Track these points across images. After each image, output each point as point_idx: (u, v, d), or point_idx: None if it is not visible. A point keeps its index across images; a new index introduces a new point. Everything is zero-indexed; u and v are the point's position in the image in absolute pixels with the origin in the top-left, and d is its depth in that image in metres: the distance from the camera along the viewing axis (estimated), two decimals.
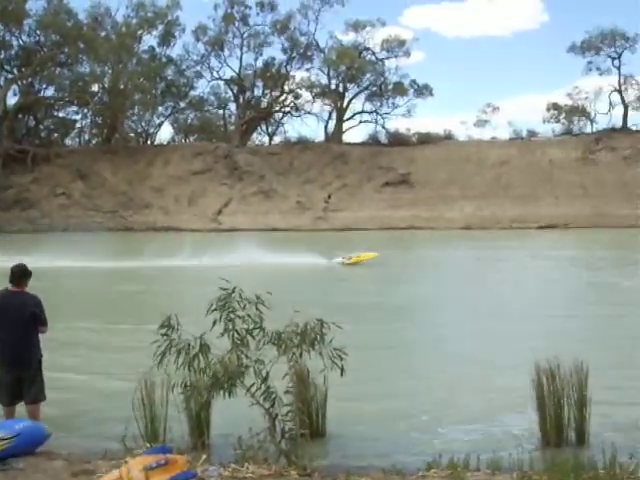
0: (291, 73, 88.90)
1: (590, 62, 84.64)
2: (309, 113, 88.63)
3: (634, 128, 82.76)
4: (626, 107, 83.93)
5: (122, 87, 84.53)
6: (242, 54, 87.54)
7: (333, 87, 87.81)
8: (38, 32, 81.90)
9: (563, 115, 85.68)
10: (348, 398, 11.09)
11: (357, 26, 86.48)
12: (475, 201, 70.62)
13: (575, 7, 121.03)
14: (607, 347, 15.84)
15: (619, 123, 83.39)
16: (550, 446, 9.20)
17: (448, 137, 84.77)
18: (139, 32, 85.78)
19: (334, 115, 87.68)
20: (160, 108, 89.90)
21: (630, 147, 76.80)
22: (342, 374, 7.78)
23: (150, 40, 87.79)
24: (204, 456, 8.41)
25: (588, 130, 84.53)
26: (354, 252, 36.01)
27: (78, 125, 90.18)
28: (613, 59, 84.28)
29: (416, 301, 24.66)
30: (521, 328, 18.77)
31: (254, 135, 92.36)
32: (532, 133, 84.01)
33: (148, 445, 8.91)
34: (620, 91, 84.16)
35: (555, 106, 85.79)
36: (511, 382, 11.89)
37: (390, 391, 12.46)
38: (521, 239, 49.96)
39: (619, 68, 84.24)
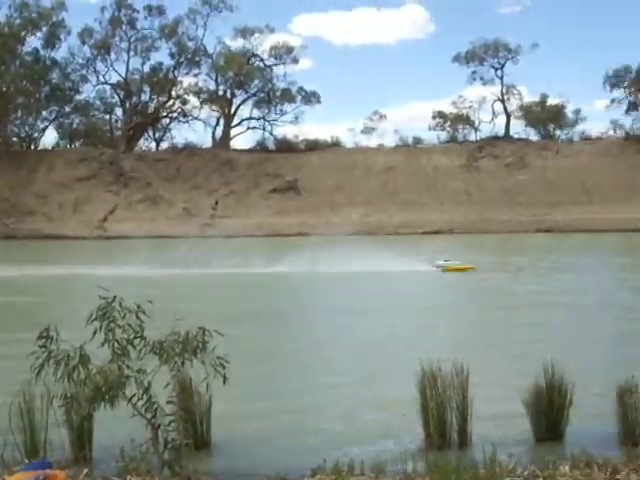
0: (179, 78, 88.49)
1: (474, 72, 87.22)
2: (196, 119, 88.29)
3: (516, 136, 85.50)
4: (508, 116, 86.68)
5: (4, 90, 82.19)
6: (129, 58, 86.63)
7: (221, 93, 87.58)
8: None
9: (448, 123, 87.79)
10: (234, 407, 11.02)
11: (246, 32, 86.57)
12: (362, 207, 71.44)
13: (460, 18, 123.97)
14: (492, 350, 16.22)
15: (502, 131, 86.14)
16: (434, 448, 9.31)
17: (335, 144, 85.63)
18: (22, 33, 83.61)
19: (222, 121, 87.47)
20: (44, 112, 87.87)
21: (512, 155, 79.23)
22: (224, 382, 7.72)
23: (34, 42, 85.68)
24: (85, 470, 8.22)
25: (472, 138, 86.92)
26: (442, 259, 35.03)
27: None
28: (496, 69, 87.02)
29: (303, 307, 24.75)
30: (405, 333, 19.02)
31: (141, 141, 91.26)
32: (418, 140, 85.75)
33: (27, 461, 8.64)
34: (503, 100, 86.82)
35: (440, 114, 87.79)
36: (395, 386, 12.00)
37: (276, 398, 12.43)
38: (407, 244, 50.55)
39: (502, 78, 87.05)
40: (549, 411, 9.47)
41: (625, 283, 29.85)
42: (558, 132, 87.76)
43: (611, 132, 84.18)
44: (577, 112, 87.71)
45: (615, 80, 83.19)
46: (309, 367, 15.49)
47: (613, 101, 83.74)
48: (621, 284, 29.62)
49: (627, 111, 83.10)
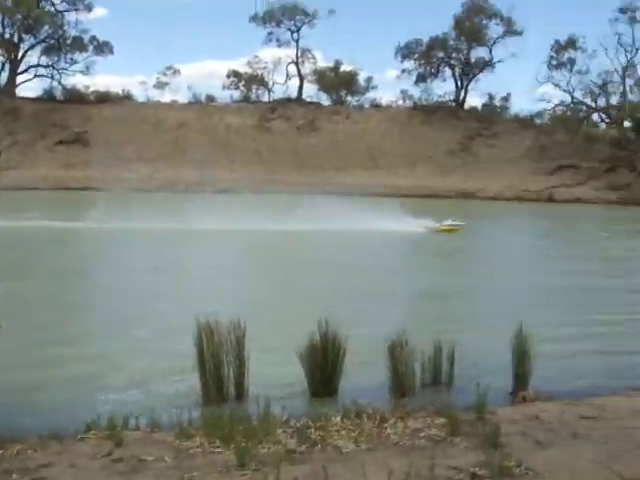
0: None
1: (271, 33, 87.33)
2: None
3: (308, 100, 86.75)
4: (302, 79, 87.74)
5: None
6: None
7: (7, 36, 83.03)
8: None
9: (242, 83, 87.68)
10: (8, 363, 10.65)
11: None
12: (152, 163, 70.23)
13: None
14: (274, 307, 16.50)
15: (294, 94, 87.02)
16: (211, 402, 9.41)
17: (127, 97, 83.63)
18: None
19: (7, 67, 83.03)
20: None
21: (303, 118, 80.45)
22: None
23: None
24: None
25: (265, 99, 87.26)
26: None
27: None
28: (292, 32, 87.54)
29: (87, 263, 24.19)
30: (189, 289, 18.99)
31: None
32: (211, 98, 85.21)
33: None
34: (297, 63, 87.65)
35: (235, 73, 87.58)
36: (176, 342, 11.96)
37: (52, 354, 12.11)
38: (199, 202, 50.09)
39: (297, 41, 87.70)
40: (324, 366, 9.78)
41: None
42: (349, 98, 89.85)
43: (400, 102, 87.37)
44: (369, 80, 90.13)
45: (406, 51, 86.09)
46: (86, 321, 15.19)
47: (404, 71, 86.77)
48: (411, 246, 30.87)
49: (416, 82, 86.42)
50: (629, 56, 78.97)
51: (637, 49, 78.53)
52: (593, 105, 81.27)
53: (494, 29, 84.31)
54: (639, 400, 9.77)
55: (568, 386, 10.70)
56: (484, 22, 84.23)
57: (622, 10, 78.00)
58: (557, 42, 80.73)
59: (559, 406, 9.26)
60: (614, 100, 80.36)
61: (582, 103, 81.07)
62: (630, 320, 16.36)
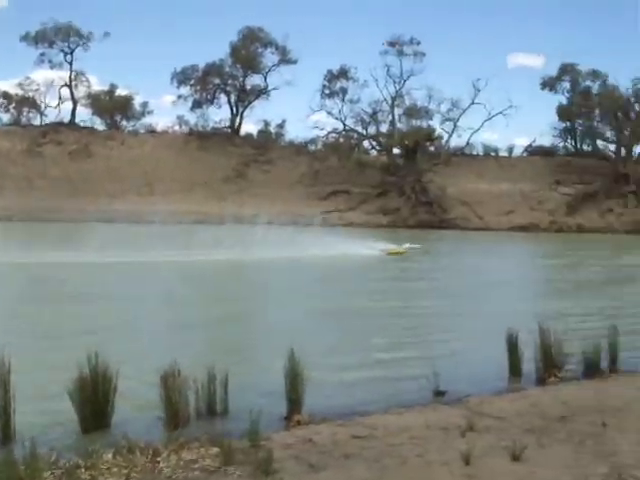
0: None
1: (43, 54, 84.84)
2: None
3: (82, 124, 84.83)
4: (75, 103, 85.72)
5: None
6: None
7: None
8: None
9: (13, 105, 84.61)
10: None
11: None
12: None
13: None
14: (42, 341, 15.82)
15: (68, 118, 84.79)
16: None
17: None
18: None
19: None
20: None
21: (76, 142, 78.47)
22: None
23: None
24: None
25: (37, 122, 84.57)
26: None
27: None
28: (66, 54, 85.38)
29: None
30: None
31: None
32: None
33: None
34: (70, 86, 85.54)
35: (5, 95, 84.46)
36: None
37: None
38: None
39: (71, 63, 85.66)
40: (95, 401, 9.47)
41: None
42: (125, 123, 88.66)
43: (177, 127, 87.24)
44: (144, 105, 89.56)
45: (182, 77, 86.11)
46: None
47: (180, 97, 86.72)
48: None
49: (192, 108, 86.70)
50: (397, 87, 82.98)
51: (405, 80, 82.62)
52: (364, 133, 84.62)
53: (269, 57, 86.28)
54: (408, 416, 10.13)
55: (343, 408, 10.89)
56: (260, 50, 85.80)
57: (391, 43, 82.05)
58: (330, 72, 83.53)
59: (332, 428, 9.47)
60: (384, 128, 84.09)
61: (354, 131, 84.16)
62: (405, 344, 16.82)
